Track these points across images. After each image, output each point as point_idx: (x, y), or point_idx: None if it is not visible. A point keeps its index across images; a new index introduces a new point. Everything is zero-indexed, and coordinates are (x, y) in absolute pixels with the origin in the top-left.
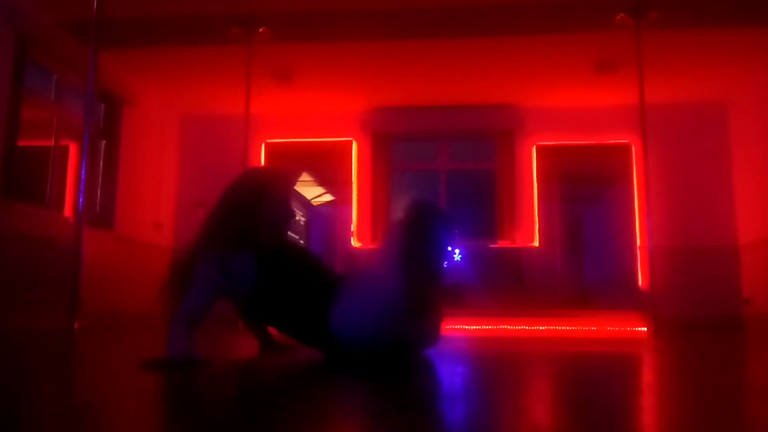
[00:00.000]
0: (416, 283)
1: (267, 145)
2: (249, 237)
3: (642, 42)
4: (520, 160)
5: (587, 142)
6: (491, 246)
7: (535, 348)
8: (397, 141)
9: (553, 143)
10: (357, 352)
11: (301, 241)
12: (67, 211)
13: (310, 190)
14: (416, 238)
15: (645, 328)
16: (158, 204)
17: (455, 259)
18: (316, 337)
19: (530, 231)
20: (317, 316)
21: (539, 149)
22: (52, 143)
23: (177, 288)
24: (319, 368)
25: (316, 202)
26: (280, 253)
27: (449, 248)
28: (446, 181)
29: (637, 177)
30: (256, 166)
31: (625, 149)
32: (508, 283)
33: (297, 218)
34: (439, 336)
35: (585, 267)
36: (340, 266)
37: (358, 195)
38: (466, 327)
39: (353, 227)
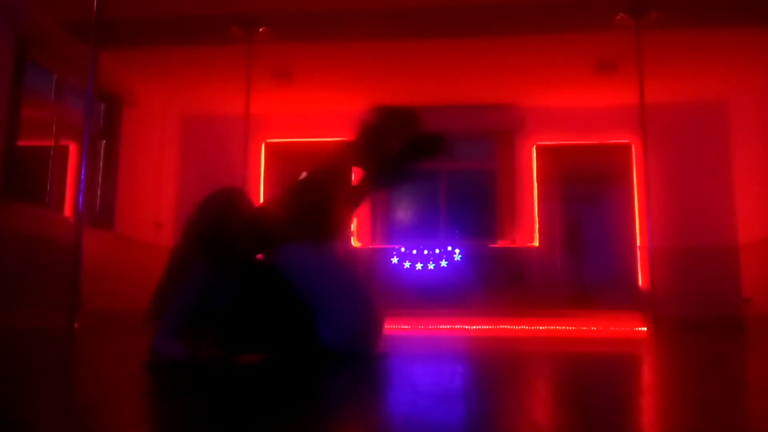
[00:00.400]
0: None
1: (267, 145)
2: (224, 253)
3: (642, 42)
4: (520, 160)
5: (587, 142)
6: (491, 246)
7: (535, 348)
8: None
9: (553, 143)
10: (349, 353)
11: None
12: (67, 211)
13: None
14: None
15: (645, 328)
16: (158, 204)
17: (451, 258)
18: (305, 349)
19: (530, 231)
20: (304, 331)
21: (539, 149)
22: (52, 143)
23: (162, 302)
24: (318, 368)
25: None
26: (256, 268)
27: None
28: (446, 181)
29: (637, 177)
30: (212, 192)
31: (625, 149)
32: (508, 283)
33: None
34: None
35: (585, 267)
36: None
37: None
38: (466, 327)
39: (353, 227)
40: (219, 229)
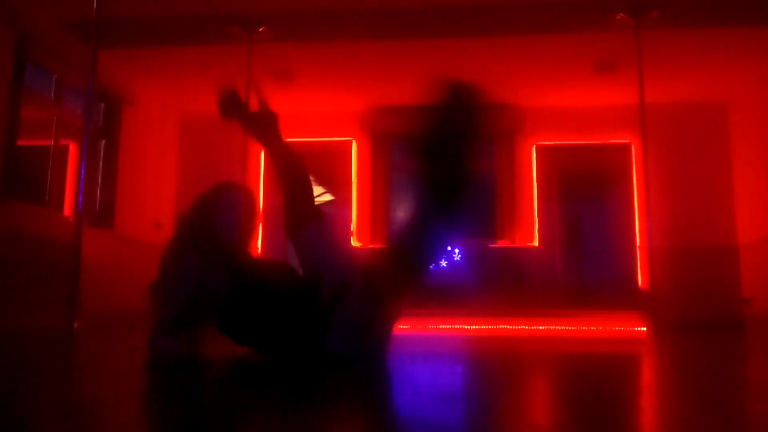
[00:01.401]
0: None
1: None
2: (215, 251)
3: (642, 42)
4: (520, 160)
5: (587, 142)
6: (491, 246)
7: (535, 348)
8: (397, 141)
9: (553, 143)
10: (353, 360)
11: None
12: (67, 210)
13: None
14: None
15: (645, 328)
16: (158, 204)
17: (451, 258)
18: (305, 350)
19: (530, 231)
20: (309, 338)
21: (539, 149)
22: (52, 143)
23: (159, 298)
24: (318, 368)
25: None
26: (248, 268)
27: None
28: None
29: (637, 177)
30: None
31: (625, 149)
32: (508, 283)
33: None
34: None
35: (585, 267)
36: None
37: (358, 195)
38: (466, 327)
39: (353, 227)
40: (211, 225)
